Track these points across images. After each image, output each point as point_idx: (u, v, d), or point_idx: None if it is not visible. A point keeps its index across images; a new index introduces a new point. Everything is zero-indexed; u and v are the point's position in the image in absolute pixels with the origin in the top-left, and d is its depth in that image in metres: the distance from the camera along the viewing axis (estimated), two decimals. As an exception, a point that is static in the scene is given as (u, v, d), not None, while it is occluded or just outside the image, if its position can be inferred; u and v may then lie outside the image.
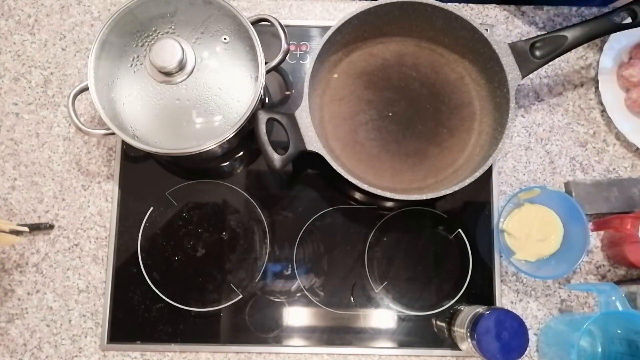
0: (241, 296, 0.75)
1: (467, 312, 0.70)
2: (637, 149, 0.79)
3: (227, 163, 0.79)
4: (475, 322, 0.66)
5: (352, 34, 0.75)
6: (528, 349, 0.67)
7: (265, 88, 0.77)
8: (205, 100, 0.69)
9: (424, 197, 0.69)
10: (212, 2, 0.69)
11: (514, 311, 0.67)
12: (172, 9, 0.70)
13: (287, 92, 0.81)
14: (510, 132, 0.79)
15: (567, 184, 0.79)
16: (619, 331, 0.70)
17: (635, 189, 0.77)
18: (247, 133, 0.71)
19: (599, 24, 0.71)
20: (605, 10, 0.77)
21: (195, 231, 0.77)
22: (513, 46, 0.71)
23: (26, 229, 0.73)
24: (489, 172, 0.77)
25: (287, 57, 0.74)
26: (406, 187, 0.75)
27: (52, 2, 0.82)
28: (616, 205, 0.77)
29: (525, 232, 0.74)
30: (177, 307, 0.75)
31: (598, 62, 0.80)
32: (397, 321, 0.75)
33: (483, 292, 0.76)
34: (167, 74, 0.68)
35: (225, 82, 0.69)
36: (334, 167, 0.68)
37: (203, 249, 0.76)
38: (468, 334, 0.67)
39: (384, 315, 0.75)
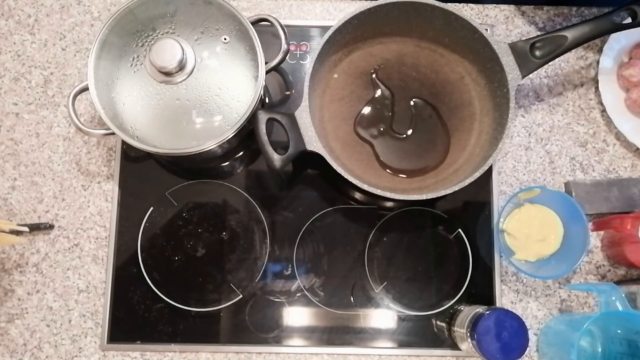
0: (241, 296, 0.75)
1: (467, 312, 0.70)
2: (637, 149, 0.79)
3: (227, 163, 0.79)
4: (475, 322, 0.66)
5: (352, 34, 0.75)
6: (528, 349, 0.67)
7: (265, 88, 0.77)
8: (205, 100, 0.69)
9: (424, 197, 0.69)
10: (212, 2, 0.69)
11: (514, 311, 0.66)
12: (172, 9, 0.70)
13: (287, 92, 0.81)
14: (510, 132, 0.79)
15: (567, 184, 0.79)
16: (619, 331, 0.70)
17: (635, 189, 0.77)
18: (247, 133, 0.71)
19: (599, 24, 0.71)
20: (605, 10, 0.77)
21: (195, 231, 0.77)
22: (513, 46, 0.71)
23: (26, 229, 0.73)
24: (489, 172, 0.77)
25: (287, 57, 0.73)
26: (406, 187, 0.75)
27: (52, 2, 0.82)
28: (616, 205, 0.77)
29: (525, 232, 0.74)
30: (177, 307, 0.75)
31: (598, 62, 0.80)
32: (397, 321, 0.75)
33: (483, 292, 0.76)
34: (167, 74, 0.68)
35: (225, 82, 0.69)
36: (334, 167, 0.68)
37: (203, 249, 0.76)
38: (468, 334, 0.67)
39: (384, 315, 0.75)
